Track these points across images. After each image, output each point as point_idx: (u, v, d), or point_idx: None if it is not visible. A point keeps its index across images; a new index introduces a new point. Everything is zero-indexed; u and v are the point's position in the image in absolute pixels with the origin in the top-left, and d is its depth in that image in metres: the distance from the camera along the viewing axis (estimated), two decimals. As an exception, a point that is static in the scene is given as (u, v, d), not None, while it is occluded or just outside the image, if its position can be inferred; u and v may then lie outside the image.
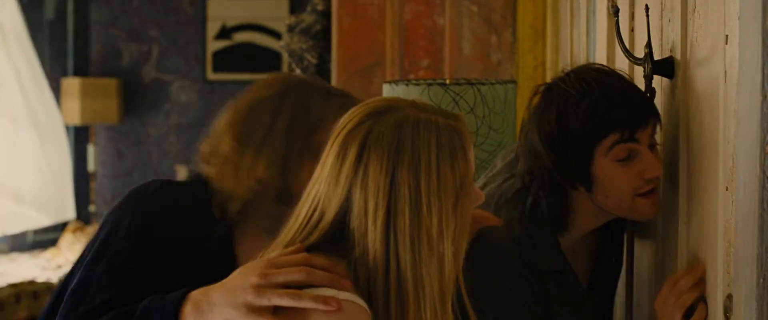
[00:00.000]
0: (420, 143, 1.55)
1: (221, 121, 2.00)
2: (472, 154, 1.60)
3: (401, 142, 1.55)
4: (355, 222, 1.54)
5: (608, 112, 1.97)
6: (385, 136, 1.55)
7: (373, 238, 1.53)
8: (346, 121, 1.59)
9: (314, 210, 1.58)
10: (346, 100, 1.89)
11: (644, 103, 2.01)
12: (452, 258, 1.56)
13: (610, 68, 2.09)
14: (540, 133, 2.03)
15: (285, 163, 1.88)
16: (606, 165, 1.99)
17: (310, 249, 1.57)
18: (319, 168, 1.59)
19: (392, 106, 1.60)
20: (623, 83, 2.03)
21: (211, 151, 1.97)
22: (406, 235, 1.53)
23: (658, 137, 2.04)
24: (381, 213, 1.53)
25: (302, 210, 1.60)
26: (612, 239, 2.20)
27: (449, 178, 1.55)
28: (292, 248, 1.56)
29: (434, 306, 1.54)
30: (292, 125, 1.90)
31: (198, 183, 2.00)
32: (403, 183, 1.53)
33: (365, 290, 1.54)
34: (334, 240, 1.57)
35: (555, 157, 2.02)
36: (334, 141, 1.58)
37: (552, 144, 2.02)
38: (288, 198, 1.81)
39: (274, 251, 1.59)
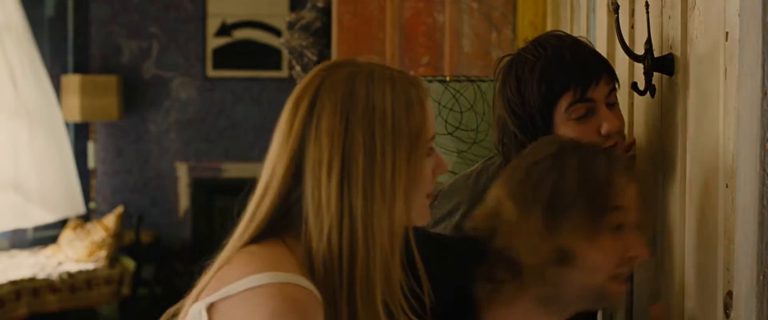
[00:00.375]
0: (374, 91, 1.53)
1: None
2: (430, 110, 1.58)
3: (354, 89, 1.53)
4: (308, 175, 1.51)
5: (559, 72, 2.03)
6: (339, 84, 1.53)
7: (327, 187, 1.50)
8: (303, 80, 1.58)
9: (267, 183, 1.55)
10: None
11: (595, 61, 2.06)
12: (403, 210, 1.53)
13: (567, 34, 2.13)
14: (503, 101, 2.10)
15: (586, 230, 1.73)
16: (565, 125, 2.04)
17: (260, 234, 1.54)
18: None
19: (347, 61, 1.59)
20: (576, 45, 2.07)
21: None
22: (359, 182, 1.50)
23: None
24: (336, 160, 1.50)
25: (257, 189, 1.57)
26: None
27: (404, 126, 1.53)
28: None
29: (385, 257, 1.52)
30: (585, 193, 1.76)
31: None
32: (357, 129, 1.51)
33: (319, 256, 1.50)
34: (282, 212, 1.53)
35: (518, 122, 2.08)
36: (289, 99, 1.57)
37: (514, 109, 2.08)
38: (570, 262, 1.72)
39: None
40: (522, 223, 1.72)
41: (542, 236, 1.70)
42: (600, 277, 1.72)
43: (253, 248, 1.53)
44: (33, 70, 6.75)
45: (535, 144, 1.82)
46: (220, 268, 1.53)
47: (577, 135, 2.02)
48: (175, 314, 1.58)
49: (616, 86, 2.09)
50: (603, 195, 1.69)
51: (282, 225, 1.55)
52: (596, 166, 1.71)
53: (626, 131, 2.25)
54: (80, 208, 7.00)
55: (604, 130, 2.04)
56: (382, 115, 1.52)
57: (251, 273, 1.47)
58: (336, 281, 1.51)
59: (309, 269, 1.51)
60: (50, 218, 6.85)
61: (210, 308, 1.49)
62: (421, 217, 1.60)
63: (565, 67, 2.03)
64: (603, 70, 2.06)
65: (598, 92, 2.04)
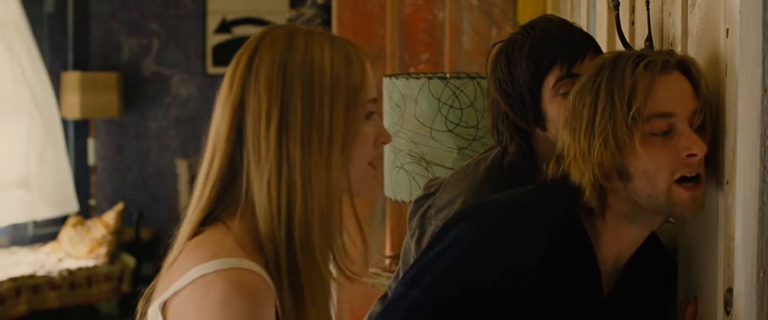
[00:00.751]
0: (313, 46, 1.54)
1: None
2: (371, 73, 1.59)
3: (293, 44, 1.54)
4: (249, 128, 1.52)
5: (547, 48, 2.09)
6: (278, 39, 1.55)
7: (266, 137, 1.51)
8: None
9: (213, 144, 1.56)
10: (652, 60, 1.76)
11: (582, 37, 2.11)
12: (340, 163, 1.54)
13: (558, 17, 2.17)
14: (495, 82, 2.16)
15: (616, 139, 1.73)
16: (554, 101, 2.09)
17: (207, 217, 1.55)
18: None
19: (287, 25, 1.61)
20: (564, 24, 2.13)
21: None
22: (297, 131, 1.51)
23: None
24: (275, 110, 1.51)
25: (205, 153, 1.58)
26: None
27: (343, 80, 1.54)
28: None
29: (322, 208, 1.52)
30: (611, 99, 1.77)
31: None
32: (296, 80, 1.52)
33: (261, 209, 1.51)
34: (228, 183, 1.55)
35: (509, 101, 2.13)
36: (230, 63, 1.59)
37: (505, 88, 2.14)
38: (628, 176, 1.74)
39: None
40: (572, 149, 1.76)
41: (583, 153, 1.73)
42: (662, 183, 1.71)
43: (198, 239, 1.53)
44: (33, 66, 6.75)
45: (589, 69, 1.83)
46: (170, 265, 1.54)
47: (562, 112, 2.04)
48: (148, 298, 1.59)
49: None
50: (632, 100, 1.69)
51: (228, 198, 1.55)
52: (624, 74, 1.71)
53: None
54: (73, 206, 6.99)
55: None
56: (321, 68, 1.53)
57: (197, 263, 1.47)
58: (276, 234, 1.51)
59: (251, 233, 1.52)
60: (50, 213, 6.86)
61: (163, 307, 1.50)
62: (365, 186, 1.60)
63: (552, 43, 2.09)
64: (589, 46, 2.10)
65: (585, 67, 2.06)
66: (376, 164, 1.62)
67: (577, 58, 2.09)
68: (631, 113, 1.68)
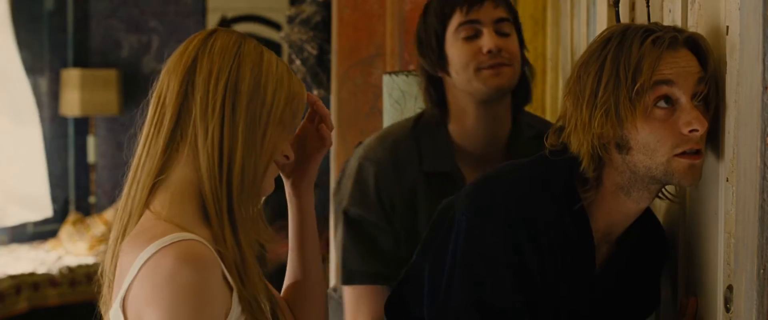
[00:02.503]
0: (262, 48, 1.69)
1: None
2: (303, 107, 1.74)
3: (247, 40, 1.69)
4: (198, 86, 1.63)
5: None
6: (231, 35, 1.69)
7: (213, 95, 1.62)
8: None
9: (154, 123, 1.66)
10: (660, 35, 1.75)
11: None
12: (268, 142, 1.64)
13: None
14: (417, 39, 2.41)
15: (617, 112, 1.75)
16: (455, 45, 2.31)
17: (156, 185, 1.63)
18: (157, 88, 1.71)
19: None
20: None
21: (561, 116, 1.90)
22: (244, 97, 1.62)
23: None
24: (225, 73, 1.63)
25: (142, 137, 1.67)
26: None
27: (286, 80, 1.68)
28: None
29: (256, 172, 1.63)
30: (616, 72, 1.77)
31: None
32: (246, 58, 1.65)
33: (206, 171, 1.60)
34: (174, 138, 1.64)
35: (421, 49, 2.38)
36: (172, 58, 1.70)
37: (420, 38, 2.39)
38: (627, 148, 1.75)
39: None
40: (573, 117, 1.76)
41: (584, 124, 1.74)
42: (661, 156, 1.72)
43: (139, 226, 1.59)
44: (12, 67, 6.72)
45: (597, 37, 1.83)
46: (116, 266, 1.60)
47: (463, 52, 2.30)
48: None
49: (509, 17, 2.35)
50: (637, 75, 1.69)
51: (172, 155, 1.64)
52: (631, 48, 1.71)
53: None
54: (47, 211, 6.94)
55: (484, 48, 2.28)
56: (269, 63, 1.67)
57: (139, 252, 1.53)
58: (218, 186, 1.60)
59: (192, 197, 1.61)
60: (23, 219, 6.83)
61: (123, 305, 1.54)
62: (270, 180, 1.70)
63: None
64: None
65: (484, 14, 2.31)
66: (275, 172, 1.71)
67: (476, 4, 2.30)
68: (635, 87, 1.68)
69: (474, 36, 2.31)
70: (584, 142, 1.76)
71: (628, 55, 1.70)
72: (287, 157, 1.71)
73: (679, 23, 1.91)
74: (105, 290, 1.64)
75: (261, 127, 1.63)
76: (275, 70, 1.66)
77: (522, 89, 2.42)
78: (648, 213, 1.90)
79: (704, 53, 1.72)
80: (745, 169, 1.50)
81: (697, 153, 1.71)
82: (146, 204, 1.61)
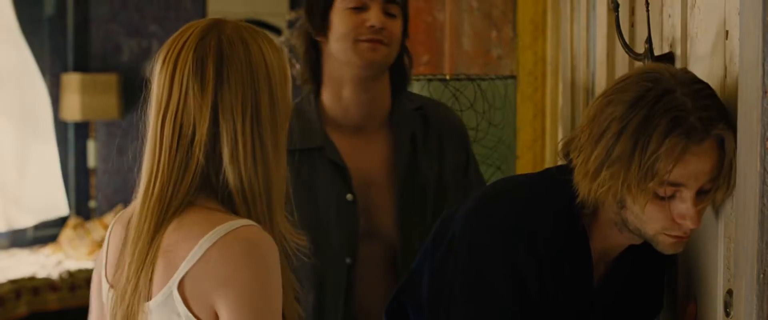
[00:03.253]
0: (261, 44, 1.71)
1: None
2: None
3: (250, 47, 1.70)
4: (223, 124, 1.64)
5: None
6: (233, 42, 1.69)
7: (242, 131, 1.63)
8: (181, 42, 1.73)
9: (178, 135, 1.68)
10: (686, 130, 1.66)
11: None
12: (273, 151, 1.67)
13: None
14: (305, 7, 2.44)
15: (623, 187, 1.71)
16: (341, 12, 2.36)
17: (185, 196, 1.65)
18: (164, 92, 1.76)
19: (220, 22, 1.76)
20: None
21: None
22: (267, 121, 1.66)
23: None
24: (248, 105, 1.65)
25: (164, 144, 1.70)
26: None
27: (284, 69, 1.72)
28: None
29: (280, 187, 1.68)
30: (632, 154, 1.70)
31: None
32: (260, 76, 1.67)
33: (241, 201, 1.64)
34: (207, 166, 1.65)
35: (309, 17, 2.41)
36: (178, 62, 1.73)
37: (308, 6, 2.42)
38: (623, 205, 1.76)
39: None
40: (582, 158, 1.75)
41: (589, 176, 1.73)
42: (650, 230, 1.73)
43: (184, 221, 1.63)
44: (23, 70, 6.72)
45: (632, 73, 1.76)
46: (156, 257, 1.62)
47: (346, 23, 2.34)
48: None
49: (399, 1, 2.38)
50: (650, 173, 1.66)
51: (203, 186, 1.66)
52: (652, 135, 1.64)
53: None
54: (63, 210, 6.97)
55: (367, 22, 2.33)
56: (270, 64, 1.69)
57: (202, 235, 1.58)
58: (259, 209, 1.64)
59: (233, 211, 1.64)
60: (32, 221, 6.83)
61: (180, 289, 1.58)
62: None
63: None
64: None
65: None
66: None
67: None
68: (645, 180, 1.65)
69: (361, 8, 2.35)
70: (584, 188, 1.75)
71: (647, 141, 1.64)
72: None
73: (678, 28, 1.91)
74: (127, 281, 1.65)
75: (276, 134, 1.68)
76: (277, 67, 1.70)
77: (399, 71, 2.46)
78: None
79: (726, 150, 1.66)
80: (745, 174, 1.50)
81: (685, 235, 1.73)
82: (191, 201, 1.65)
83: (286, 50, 4.93)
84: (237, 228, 1.58)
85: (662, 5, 2.05)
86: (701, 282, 1.83)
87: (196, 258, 1.57)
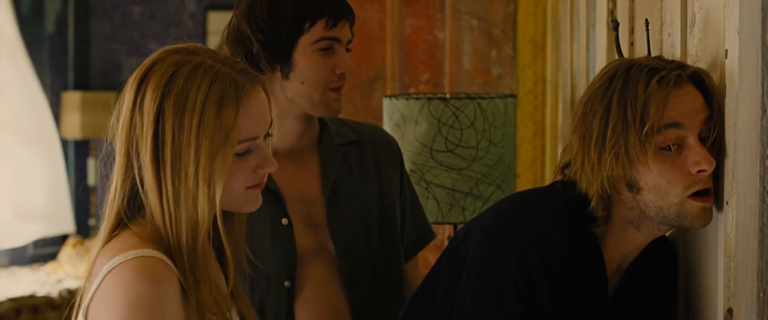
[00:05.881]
0: (191, 83, 1.61)
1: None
2: (252, 111, 1.64)
3: (175, 77, 1.62)
4: (132, 150, 1.63)
5: (315, 2, 2.26)
6: (166, 69, 1.63)
7: (146, 168, 1.61)
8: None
9: (126, 157, 1.66)
10: (665, 74, 1.72)
11: (346, 3, 2.32)
12: (206, 201, 1.62)
13: None
14: (250, 20, 2.26)
15: (627, 154, 1.72)
16: (307, 55, 2.26)
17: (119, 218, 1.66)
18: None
19: (191, 49, 1.69)
20: None
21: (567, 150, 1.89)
22: (168, 168, 1.60)
23: None
24: (150, 139, 1.61)
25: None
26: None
27: (211, 124, 1.60)
28: None
29: (187, 245, 1.62)
30: (624, 114, 1.75)
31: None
32: (168, 116, 1.60)
33: (159, 233, 1.63)
34: (133, 195, 1.65)
35: (261, 40, 2.25)
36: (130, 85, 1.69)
37: (262, 27, 2.26)
38: (637, 188, 1.74)
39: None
40: (581, 157, 1.76)
41: (594, 166, 1.73)
42: (674, 197, 1.71)
43: (109, 246, 1.64)
44: (26, 87, 6.73)
45: (598, 72, 1.81)
46: (86, 277, 1.65)
47: (319, 70, 2.25)
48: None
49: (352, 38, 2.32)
50: (645, 117, 1.68)
51: (135, 208, 1.66)
52: (637, 88, 1.70)
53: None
54: (70, 226, 6.97)
55: (338, 69, 2.27)
56: (192, 108, 1.61)
57: (106, 263, 1.59)
58: (170, 239, 1.62)
59: (158, 240, 1.63)
60: (38, 235, 6.82)
61: (86, 313, 1.60)
62: (247, 204, 1.70)
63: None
64: (352, 14, 2.31)
65: (343, 32, 2.29)
66: (259, 185, 1.69)
67: (342, 19, 2.27)
68: (644, 130, 1.68)
69: (328, 49, 2.28)
70: (594, 183, 1.75)
71: (635, 96, 1.70)
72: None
73: (678, 47, 1.91)
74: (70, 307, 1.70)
75: (190, 183, 1.63)
76: (198, 118, 1.62)
77: None
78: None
79: (709, 88, 1.72)
80: (745, 193, 1.50)
81: (708, 193, 1.72)
82: (126, 224, 1.66)
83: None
84: (130, 259, 1.58)
85: (662, 24, 2.06)
86: (701, 301, 1.83)
87: (95, 287, 1.60)
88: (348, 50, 2.33)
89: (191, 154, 1.60)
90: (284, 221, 2.32)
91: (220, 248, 1.71)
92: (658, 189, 1.72)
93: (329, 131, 2.42)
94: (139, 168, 1.62)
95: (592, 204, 1.77)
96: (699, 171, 1.69)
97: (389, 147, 2.53)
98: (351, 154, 2.43)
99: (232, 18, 2.32)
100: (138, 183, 1.63)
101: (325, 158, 2.38)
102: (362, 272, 2.36)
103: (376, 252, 2.39)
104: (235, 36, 2.30)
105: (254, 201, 1.70)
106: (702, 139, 1.71)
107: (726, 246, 1.63)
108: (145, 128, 1.61)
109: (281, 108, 2.31)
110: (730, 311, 1.61)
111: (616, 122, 1.70)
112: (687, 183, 1.70)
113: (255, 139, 1.65)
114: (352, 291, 2.35)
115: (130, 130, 1.63)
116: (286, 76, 2.28)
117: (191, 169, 1.60)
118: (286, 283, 2.31)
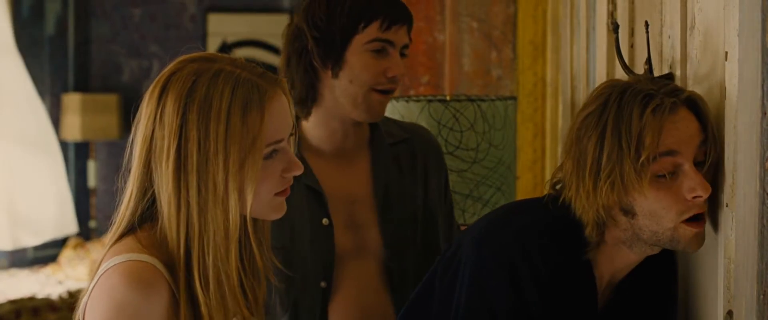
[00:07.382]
0: (214, 90, 1.59)
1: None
2: (276, 115, 1.63)
3: (196, 85, 1.59)
4: (153, 162, 1.61)
5: (372, 2, 2.25)
6: (185, 78, 1.61)
7: (166, 175, 1.59)
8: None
9: (145, 162, 1.65)
10: (659, 102, 1.72)
11: (404, 7, 2.31)
12: (236, 208, 1.60)
13: None
14: (308, 17, 2.27)
15: (623, 182, 1.72)
16: (359, 54, 2.25)
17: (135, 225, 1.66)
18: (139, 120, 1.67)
19: (207, 57, 1.66)
20: None
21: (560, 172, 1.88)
22: (194, 177, 1.58)
23: None
24: (172, 152, 1.58)
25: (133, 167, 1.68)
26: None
27: (238, 130, 1.59)
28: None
29: (217, 253, 1.60)
30: (619, 143, 1.74)
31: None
32: (192, 126, 1.58)
33: (166, 242, 1.61)
34: (147, 205, 1.65)
35: (316, 37, 2.26)
36: (146, 94, 1.66)
37: (318, 25, 2.26)
38: (632, 213, 1.75)
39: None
40: (575, 183, 1.76)
41: (590, 194, 1.73)
42: (668, 222, 1.72)
43: (112, 248, 1.65)
44: (24, 91, 6.73)
45: (591, 94, 1.81)
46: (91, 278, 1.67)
47: (369, 67, 2.24)
48: None
49: (409, 44, 2.31)
50: (641, 147, 1.68)
51: (147, 217, 1.66)
52: (631, 117, 1.69)
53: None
54: (72, 228, 6.97)
55: (390, 72, 2.25)
56: (217, 115, 1.59)
57: (102, 264, 1.61)
58: (177, 259, 1.60)
59: (162, 249, 1.62)
60: (39, 240, 6.82)
61: (83, 312, 1.63)
62: (273, 211, 1.68)
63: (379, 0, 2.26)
64: (410, 18, 2.30)
65: (398, 36, 2.27)
66: (285, 191, 1.68)
67: (397, 23, 2.26)
68: (640, 160, 1.68)
69: (381, 51, 2.26)
70: (589, 210, 1.76)
71: (629, 125, 1.69)
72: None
73: (678, 49, 1.91)
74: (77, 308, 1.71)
75: (219, 194, 1.62)
76: (225, 125, 1.60)
77: None
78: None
79: (703, 112, 1.72)
80: (745, 195, 1.51)
81: (701, 218, 1.72)
82: (134, 228, 1.66)
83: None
84: (122, 262, 1.59)
85: (662, 26, 2.06)
86: (701, 304, 1.83)
87: (91, 287, 1.62)
88: (404, 55, 2.31)
89: (220, 161, 1.58)
90: (325, 221, 2.31)
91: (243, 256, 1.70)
92: (653, 215, 1.73)
93: (380, 130, 2.41)
94: (159, 179, 1.61)
95: (587, 231, 1.77)
96: (694, 197, 1.69)
97: (437, 151, 2.53)
98: (401, 152, 2.43)
99: (293, 16, 2.33)
100: (155, 193, 1.62)
101: (376, 158, 2.38)
102: (408, 274, 2.35)
103: (420, 254, 2.39)
104: (293, 33, 2.31)
105: (279, 209, 1.68)
106: (697, 163, 1.71)
107: (726, 247, 1.64)
108: (166, 139, 1.59)
109: (328, 108, 2.31)
110: (730, 313, 1.61)
111: (611, 151, 1.70)
112: (682, 209, 1.71)
113: (280, 141, 1.65)
114: (397, 292, 2.34)
115: (151, 142, 1.61)
116: (336, 75, 2.27)
117: (220, 177, 1.58)
118: (322, 284, 2.30)
